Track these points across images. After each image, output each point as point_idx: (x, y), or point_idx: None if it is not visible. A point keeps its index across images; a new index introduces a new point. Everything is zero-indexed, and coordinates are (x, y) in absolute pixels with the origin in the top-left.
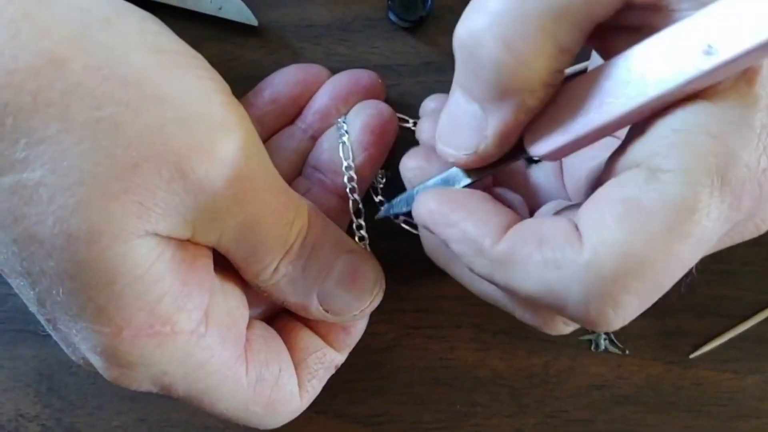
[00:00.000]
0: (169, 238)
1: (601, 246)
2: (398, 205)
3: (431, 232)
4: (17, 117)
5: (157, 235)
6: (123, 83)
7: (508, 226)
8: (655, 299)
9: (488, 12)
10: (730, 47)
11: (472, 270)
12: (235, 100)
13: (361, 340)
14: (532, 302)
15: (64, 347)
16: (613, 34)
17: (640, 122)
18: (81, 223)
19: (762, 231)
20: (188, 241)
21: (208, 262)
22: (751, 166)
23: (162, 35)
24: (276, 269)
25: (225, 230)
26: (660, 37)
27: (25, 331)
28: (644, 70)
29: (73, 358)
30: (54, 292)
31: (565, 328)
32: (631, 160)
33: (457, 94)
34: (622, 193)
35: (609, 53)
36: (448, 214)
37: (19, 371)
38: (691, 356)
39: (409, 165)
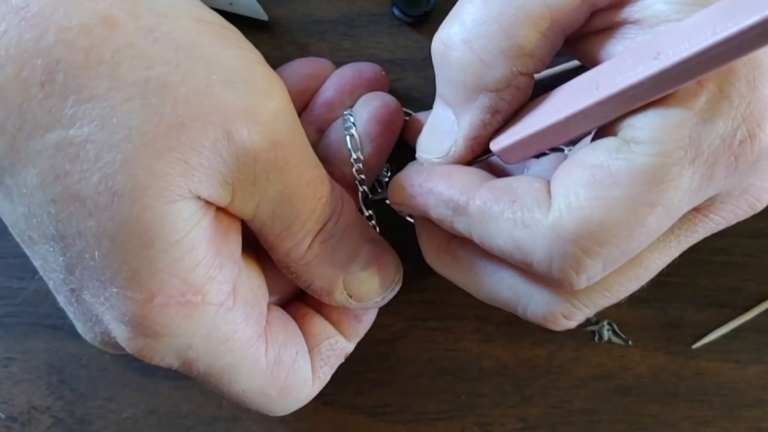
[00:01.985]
0: (209, 205)
1: (565, 209)
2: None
3: (409, 210)
4: (68, 74)
5: (198, 199)
6: (173, 45)
7: (482, 182)
8: (620, 262)
9: (461, 20)
10: (672, 54)
11: (453, 231)
12: (274, 72)
13: (367, 332)
14: (504, 258)
15: (80, 323)
16: (589, 40)
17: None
18: (127, 180)
19: (756, 209)
20: (223, 212)
21: (239, 237)
22: (726, 137)
23: (205, 9)
24: (310, 247)
25: (263, 199)
26: (620, 54)
27: (36, 324)
28: (599, 76)
29: (89, 335)
30: (88, 255)
31: (567, 322)
32: (609, 129)
33: (436, 104)
34: (593, 160)
35: (588, 59)
36: (421, 184)
37: (30, 364)
38: (694, 347)
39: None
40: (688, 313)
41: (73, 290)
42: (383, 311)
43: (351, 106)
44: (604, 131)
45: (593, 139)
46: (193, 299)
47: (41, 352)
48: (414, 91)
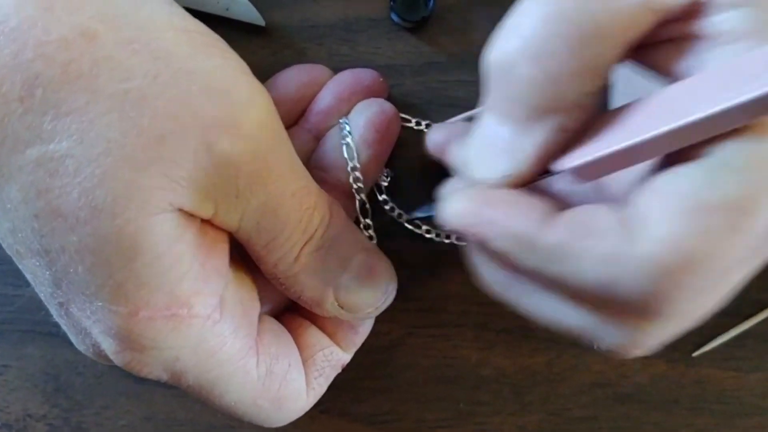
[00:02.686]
0: (192, 217)
1: (661, 240)
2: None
3: (466, 237)
4: (47, 88)
5: (181, 211)
6: (152, 57)
7: (552, 214)
8: (708, 293)
9: (521, 35)
10: None
11: (517, 265)
12: (257, 81)
13: (365, 339)
14: (583, 295)
15: (72, 336)
16: (653, 49)
17: None
18: (106, 195)
19: None
20: (209, 224)
21: (226, 248)
22: None
23: (188, 18)
24: (297, 258)
25: (247, 211)
26: (708, 72)
27: (32, 331)
28: (685, 96)
29: (81, 347)
30: (72, 270)
31: (641, 351)
32: (689, 153)
33: (488, 118)
34: (685, 188)
35: (650, 68)
36: (484, 212)
37: (26, 371)
38: (694, 354)
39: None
40: None
41: (61, 304)
42: (381, 318)
43: (348, 113)
44: (683, 155)
45: (669, 163)
46: (179, 312)
47: (37, 360)
48: (412, 97)
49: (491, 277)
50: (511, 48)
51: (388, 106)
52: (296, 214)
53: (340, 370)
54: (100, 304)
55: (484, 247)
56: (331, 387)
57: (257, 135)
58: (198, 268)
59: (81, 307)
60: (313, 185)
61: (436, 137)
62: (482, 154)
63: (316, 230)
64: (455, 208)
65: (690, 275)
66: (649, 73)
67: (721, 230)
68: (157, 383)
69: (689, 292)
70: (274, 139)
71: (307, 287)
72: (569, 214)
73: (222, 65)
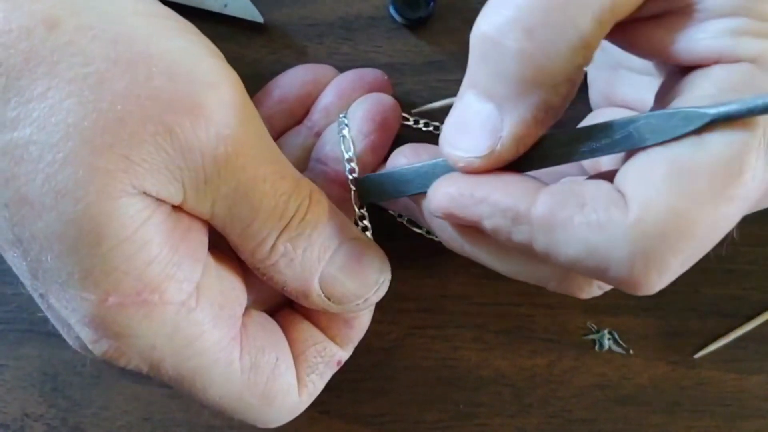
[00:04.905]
0: (160, 202)
1: (648, 206)
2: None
3: (456, 218)
4: (9, 76)
5: (146, 195)
6: (113, 41)
7: (539, 189)
8: (695, 260)
9: (513, 5)
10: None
11: (510, 242)
12: (226, 63)
13: (364, 340)
14: (571, 266)
15: (59, 329)
16: (634, 26)
17: (678, 80)
18: (68, 179)
19: None
20: (182, 210)
21: (203, 237)
22: None
23: (153, 4)
24: (273, 246)
25: (218, 198)
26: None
27: (29, 331)
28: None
29: (69, 341)
30: (44, 258)
31: (598, 291)
32: None
33: (468, 94)
34: (669, 154)
35: (631, 46)
36: (473, 192)
37: (24, 371)
38: (695, 356)
39: (398, 163)
40: (690, 322)
41: (41, 295)
42: (380, 319)
43: (347, 109)
44: None
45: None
46: (150, 298)
47: (34, 359)
48: (412, 95)
49: (454, 236)
50: (501, 20)
51: (385, 98)
52: (270, 200)
53: (336, 368)
54: (72, 291)
55: (470, 228)
56: (331, 388)
57: (221, 118)
58: (168, 253)
59: (58, 297)
60: (290, 170)
61: (401, 160)
62: (461, 131)
63: (292, 217)
64: (443, 192)
65: (681, 240)
66: (638, 55)
67: (711, 193)
68: (156, 383)
69: (680, 257)
70: (242, 122)
71: (289, 277)
72: (556, 186)
73: (185, 47)
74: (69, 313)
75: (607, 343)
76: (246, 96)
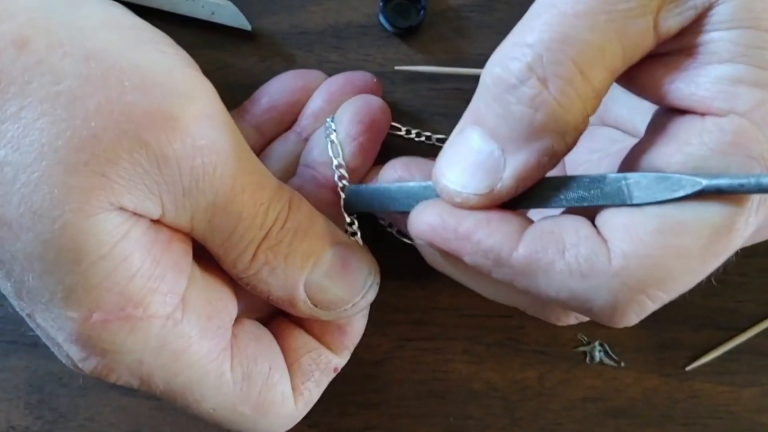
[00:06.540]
0: (139, 216)
1: (632, 257)
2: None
3: (437, 248)
4: None
5: (124, 210)
6: (84, 57)
7: (522, 230)
8: (674, 297)
9: (531, 52)
10: None
11: (491, 277)
12: (200, 74)
13: (353, 352)
14: (553, 303)
15: (51, 347)
16: (638, 67)
17: (671, 119)
18: (43, 199)
19: None
20: (161, 223)
21: (186, 247)
22: None
23: (126, 16)
24: (255, 256)
25: (197, 210)
26: None
27: (16, 342)
28: None
29: (60, 358)
30: (26, 278)
31: (574, 320)
32: (660, 168)
33: (470, 131)
34: (658, 210)
35: (629, 84)
36: (455, 228)
37: (10, 383)
38: (688, 369)
39: (389, 177)
40: (682, 335)
41: (28, 315)
42: (370, 331)
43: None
44: (643, 164)
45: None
46: (134, 313)
47: (21, 371)
48: (403, 104)
49: (437, 257)
50: (519, 66)
51: (373, 99)
52: (249, 210)
53: (333, 375)
54: (57, 311)
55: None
56: (320, 401)
57: (197, 129)
58: (150, 266)
59: (44, 317)
60: (269, 179)
61: (393, 175)
62: (461, 167)
63: (272, 225)
64: (425, 221)
65: (662, 291)
66: (633, 93)
67: (698, 250)
68: (143, 396)
69: (660, 303)
70: (218, 134)
71: (273, 286)
72: (538, 228)
73: (158, 60)
74: (56, 332)
75: (598, 355)
76: (222, 106)
